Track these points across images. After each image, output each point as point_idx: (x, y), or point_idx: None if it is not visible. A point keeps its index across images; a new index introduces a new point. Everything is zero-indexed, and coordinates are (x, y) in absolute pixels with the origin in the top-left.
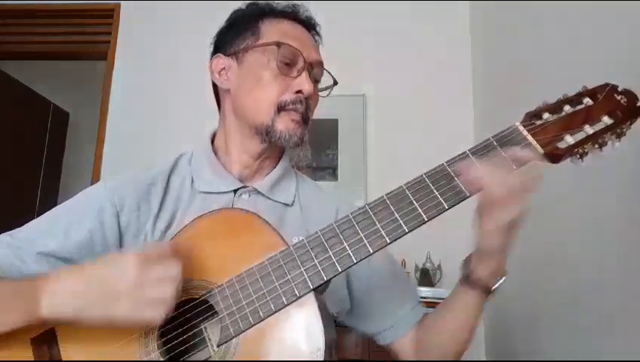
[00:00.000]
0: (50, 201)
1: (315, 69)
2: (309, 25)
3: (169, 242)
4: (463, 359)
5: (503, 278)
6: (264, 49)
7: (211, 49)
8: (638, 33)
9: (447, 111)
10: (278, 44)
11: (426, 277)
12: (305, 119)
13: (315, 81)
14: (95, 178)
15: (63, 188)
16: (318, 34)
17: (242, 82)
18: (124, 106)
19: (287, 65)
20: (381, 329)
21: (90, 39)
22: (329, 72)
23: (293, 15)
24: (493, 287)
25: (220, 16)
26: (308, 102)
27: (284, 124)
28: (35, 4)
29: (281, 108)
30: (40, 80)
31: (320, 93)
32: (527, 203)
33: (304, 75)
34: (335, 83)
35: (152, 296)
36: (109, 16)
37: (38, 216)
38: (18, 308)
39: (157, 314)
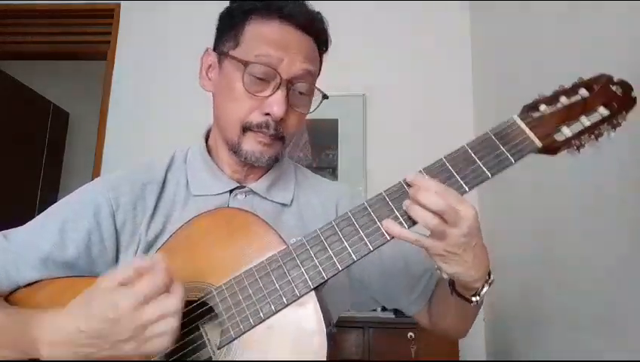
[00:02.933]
0: (50, 201)
1: (298, 82)
2: (305, 26)
3: (162, 260)
4: (463, 359)
5: (485, 288)
6: (238, 61)
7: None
8: (638, 33)
9: (448, 111)
10: (246, 64)
11: None
12: (279, 137)
13: (300, 93)
14: (95, 178)
15: (63, 188)
16: (318, 36)
17: (219, 90)
18: (124, 106)
19: (262, 80)
20: (398, 306)
21: (90, 39)
22: (318, 89)
23: (285, 15)
24: (474, 299)
25: None
26: (278, 124)
27: (251, 146)
28: (35, 4)
29: (246, 129)
30: (40, 80)
31: (305, 109)
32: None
33: (277, 94)
34: (325, 97)
35: (156, 332)
36: (109, 16)
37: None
38: (14, 349)
39: (164, 345)
